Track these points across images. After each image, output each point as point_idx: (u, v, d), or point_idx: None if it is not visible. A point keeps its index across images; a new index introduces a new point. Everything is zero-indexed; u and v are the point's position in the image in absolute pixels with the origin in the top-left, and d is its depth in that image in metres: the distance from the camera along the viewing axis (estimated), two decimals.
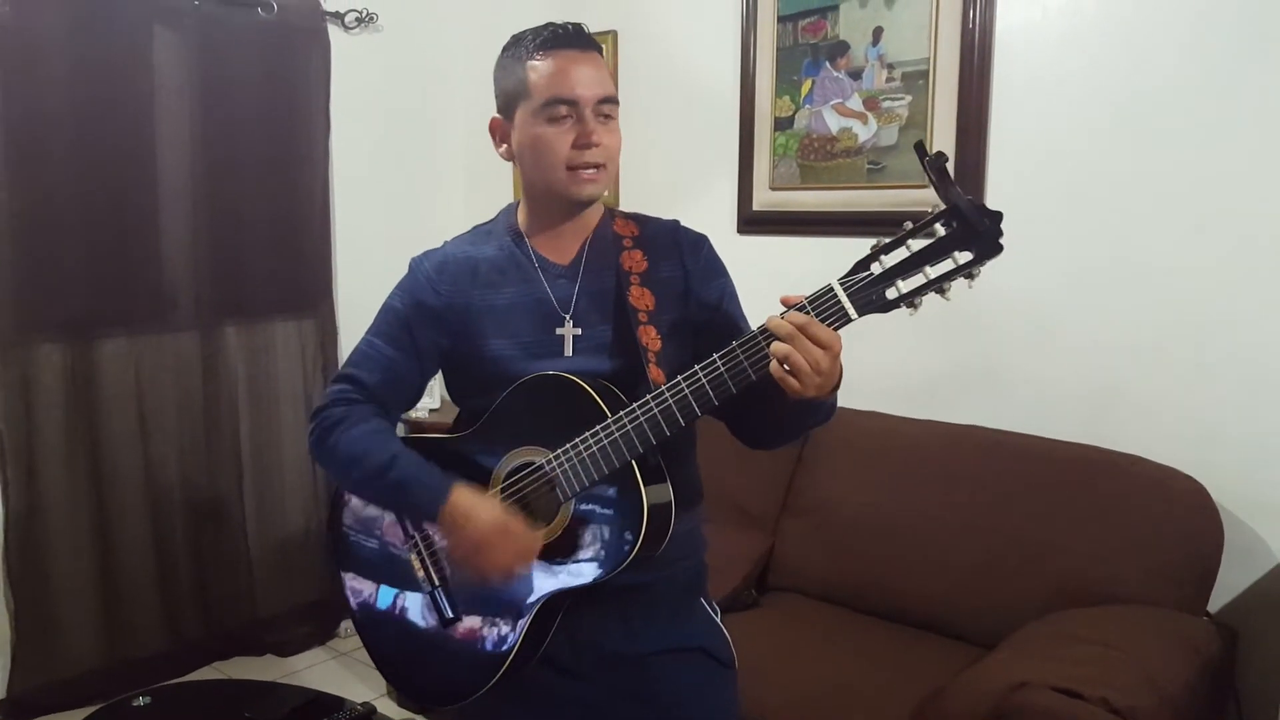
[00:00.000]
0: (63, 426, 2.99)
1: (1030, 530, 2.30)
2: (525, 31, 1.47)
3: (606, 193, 1.54)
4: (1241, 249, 2.23)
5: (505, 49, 1.49)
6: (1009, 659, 1.93)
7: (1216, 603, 2.22)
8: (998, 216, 1.16)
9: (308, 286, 3.49)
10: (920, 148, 1.21)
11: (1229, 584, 2.23)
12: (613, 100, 1.45)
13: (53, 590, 3.00)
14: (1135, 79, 2.34)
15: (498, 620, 1.47)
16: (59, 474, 2.99)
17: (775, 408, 1.36)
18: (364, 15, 3.51)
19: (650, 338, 1.45)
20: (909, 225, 1.20)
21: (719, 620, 1.60)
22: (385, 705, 3.04)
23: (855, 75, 2.78)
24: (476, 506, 1.40)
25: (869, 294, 1.22)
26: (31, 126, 2.85)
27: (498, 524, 1.39)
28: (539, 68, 1.43)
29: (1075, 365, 2.49)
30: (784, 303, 1.26)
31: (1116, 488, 2.24)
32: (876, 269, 1.21)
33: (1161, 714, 1.71)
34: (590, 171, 1.44)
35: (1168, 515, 2.17)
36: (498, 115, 1.51)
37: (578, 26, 1.47)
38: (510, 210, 1.58)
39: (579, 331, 1.49)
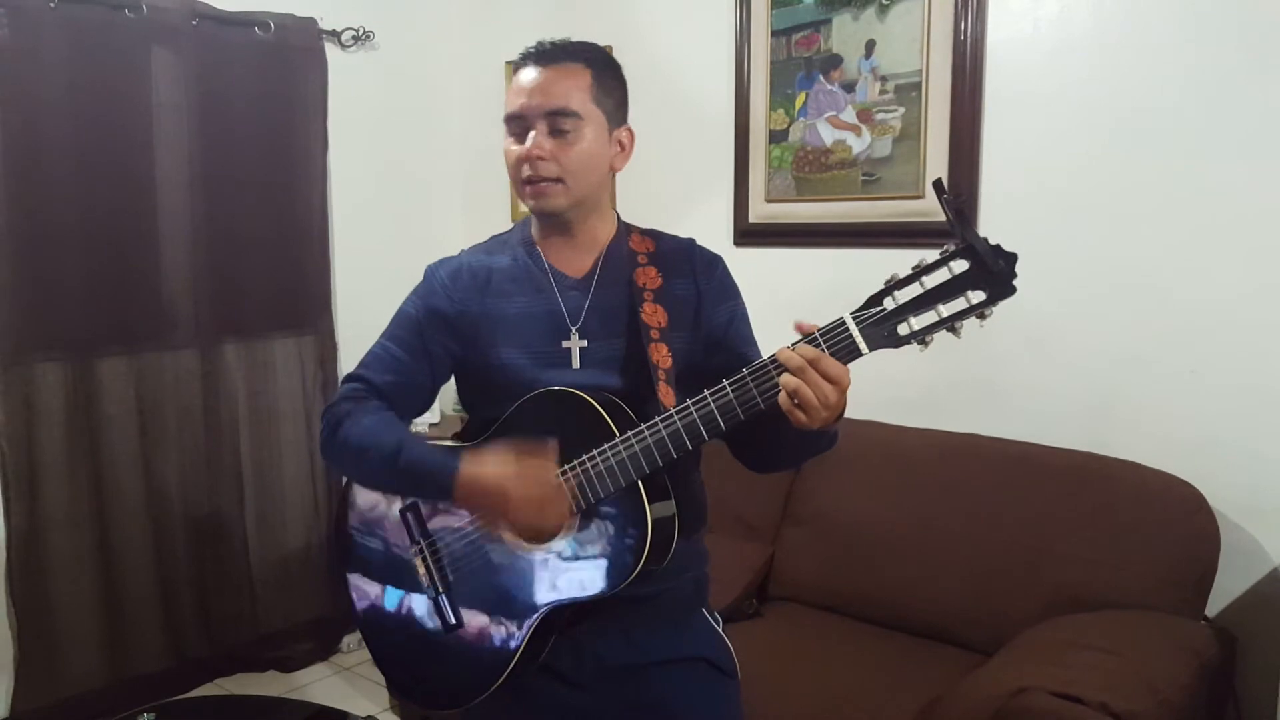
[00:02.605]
0: (64, 445, 2.99)
1: (1029, 537, 2.31)
2: None
3: (567, 203, 1.51)
4: (1235, 258, 2.25)
5: None
6: (1009, 665, 1.94)
7: (1214, 607, 2.24)
8: (1012, 258, 1.16)
9: (307, 303, 3.50)
10: (939, 186, 1.21)
11: (1227, 588, 2.24)
12: (566, 113, 1.44)
13: (55, 609, 3.00)
14: (1126, 91, 2.37)
15: (500, 628, 1.47)
16: (60, 492, 2.99)
17: (779, 436, 1.36)
18: (360, 34, 3.53)
19: (661, 355, 1.45)
20: (923, 262, 1.19)
21: (721, 630, 1.60)
22: (388, 719, 3.05)
23: (848, 88, 2.81)
24: (489, 464, 1.37)
25: (881, 329, 1.22)
26: (31, 146, 2.86)
27: (514, 474, 1.36)
28: (509, 88, 1.49)
29: (1072, 374, 2.50)
30: (798, 329, 1.26)
31: (1114, 494, 2.26)
32: (889, 304, 1.21)
33: (1161, 718, 1.72)
34: (540, 184, 1.45)
35: (1165, 521, 2.18)
36: None
37: (553, 42, 1.49)
38: (527, 222, 1.60)
39: (585, 344, 1.49)
